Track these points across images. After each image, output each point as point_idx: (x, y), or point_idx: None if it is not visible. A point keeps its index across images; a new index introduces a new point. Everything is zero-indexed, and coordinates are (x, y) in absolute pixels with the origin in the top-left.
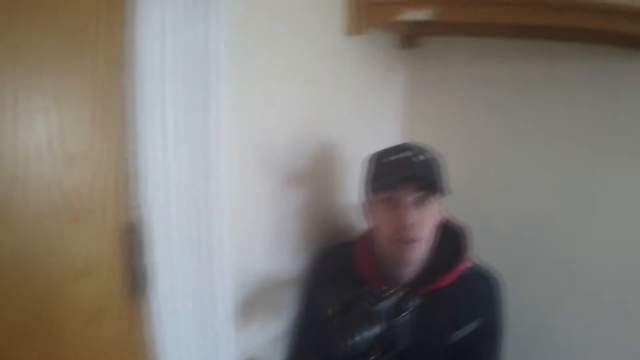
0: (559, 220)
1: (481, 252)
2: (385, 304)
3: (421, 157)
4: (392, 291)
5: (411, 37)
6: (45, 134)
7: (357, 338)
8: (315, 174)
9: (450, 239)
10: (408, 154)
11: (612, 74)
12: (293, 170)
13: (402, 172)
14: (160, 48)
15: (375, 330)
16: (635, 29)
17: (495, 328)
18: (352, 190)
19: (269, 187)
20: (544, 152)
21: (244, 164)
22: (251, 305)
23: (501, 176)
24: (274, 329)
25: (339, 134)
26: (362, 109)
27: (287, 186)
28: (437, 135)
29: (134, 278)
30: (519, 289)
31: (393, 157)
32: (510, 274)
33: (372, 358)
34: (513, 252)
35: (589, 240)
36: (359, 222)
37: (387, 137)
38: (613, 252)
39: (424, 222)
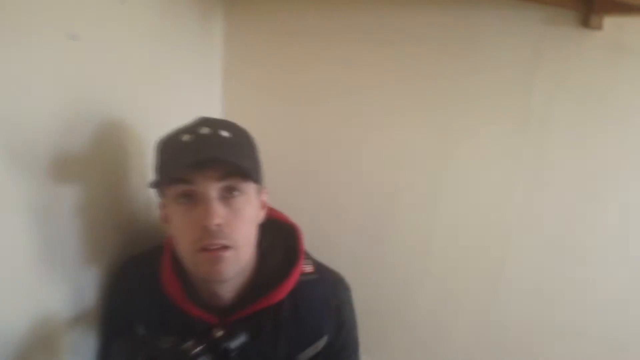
0: (406, 203)
1: (318, 251)
2: None
3: (224, 134)
4: (200, 348)
5: None
6: None
7: None
8: (100, 162)
9: (280, 240)
10: (206, 131)
11: (466, 25)
12: (64, 159)
13: (198, 155)
14: None
15: None
16: None
17: (349, 339)
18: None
19: (25, 189)
20: (387, 119)
21: None
22: None
23: (336, 151)
24: None
25: (133, 106)
26: (166, 72)
27: (56, 183)
28: (261, 103)
29: None
30: (364, 288)
31: (186, 137)
32: (353, 273)
33: None
34: (354, 247)
35: (442, 217)
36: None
37: (204, 107)
38: (469, 223)
39: (237, 222)
